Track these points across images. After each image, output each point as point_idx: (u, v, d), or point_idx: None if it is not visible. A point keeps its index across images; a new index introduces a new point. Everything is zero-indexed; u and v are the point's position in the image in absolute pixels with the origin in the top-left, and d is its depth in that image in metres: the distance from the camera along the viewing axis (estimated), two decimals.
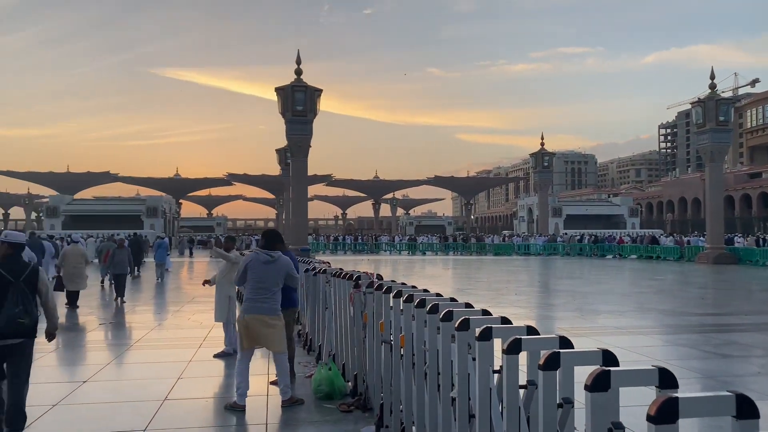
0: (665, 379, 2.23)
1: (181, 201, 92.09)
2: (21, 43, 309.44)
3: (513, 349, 2.93)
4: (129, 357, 9.04)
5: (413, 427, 4.78)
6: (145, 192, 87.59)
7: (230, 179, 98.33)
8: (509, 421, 2.97)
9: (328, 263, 10.17)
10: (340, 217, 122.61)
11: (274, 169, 78.44)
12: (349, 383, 6.68)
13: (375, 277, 6.36)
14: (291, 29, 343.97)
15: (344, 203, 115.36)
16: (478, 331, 3.26)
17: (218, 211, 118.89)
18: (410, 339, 4.73)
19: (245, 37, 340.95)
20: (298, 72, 28.68)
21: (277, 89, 28.89)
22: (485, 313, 3.91)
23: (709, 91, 33.68)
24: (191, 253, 47.63)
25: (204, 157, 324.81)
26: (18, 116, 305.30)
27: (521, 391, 2.99)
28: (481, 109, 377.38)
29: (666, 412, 1.82)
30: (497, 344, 3.14)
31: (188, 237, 57.58)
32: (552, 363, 2.60)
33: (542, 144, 58.01)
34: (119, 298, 15.05)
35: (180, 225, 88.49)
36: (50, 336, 5.57)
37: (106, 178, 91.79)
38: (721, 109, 32.77)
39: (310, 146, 29.10)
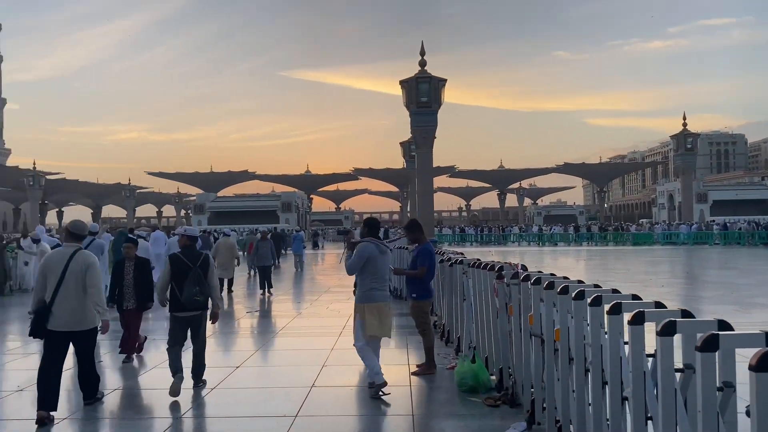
0: None
1: (311, 196, 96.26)
2: (167, 56, 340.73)
3: (667, 331, 2.85)
4: (275, 344, 9.49)
5: (570, 426, 4.48)
6: (280, 188, 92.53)
7: (356, 174, 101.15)
8: (664, 405, 2.89)
9: (462, 254, 9.98)
10: (464, 208, 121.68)
11: (398, 162, 79.55)
12: (493, 377, 6.46)
13: (520, 267, 6.08)
14: (411, 24, 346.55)
15: (468, 194, 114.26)
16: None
17: (346, 204, 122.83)
18: (566, 333, 4.43)
19: (367, 35, 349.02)
20: (422, 63, 28.53)
21: (401, 82, 28.92)
22: (659, 306, 3.53)
23: None
24: (319, 245, 49.55)
25: (332, 153, 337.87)
26: (167, 122, 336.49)
27: (677, 375, 2.92)
28: (612, 91, 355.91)
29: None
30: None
31: (314, 231, 59.96)
32: (710, 344, 2.51)
33: (684, 124, 53.34)
34: (265, 290, 15.37)
35: (311, 219, 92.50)
36: (214, 317, 6.66)
37: (245, 176, 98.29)
38: None
39: (435, 137, 28.86)
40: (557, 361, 4.59)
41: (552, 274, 5.41)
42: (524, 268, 6.11)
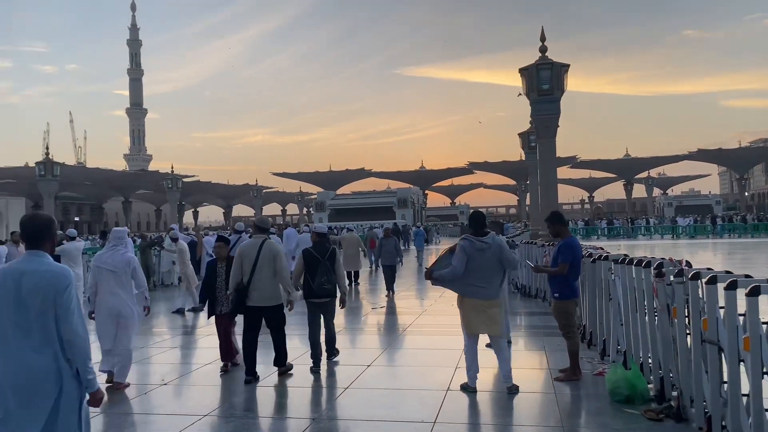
0: None
1: (426, 192, 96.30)
2: (289, 61, 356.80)
3: None
4: (403, 343, 9.28)
5: None
6: (395, 185, 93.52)
7: (471, 168, 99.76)
8: None
9: (601, 248, 9.19)
10: (587, 200, 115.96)
11: (514, 155, 77.34)
12: (651, 386, 5.78)
13: (684, 264, 5.36)
14: (527, 12, 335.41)
15: (590, 185, 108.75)
16: None
17: (461, 199, 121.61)
18: (757, 343, 3.75)
19: (480, 28, 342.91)
20: (543, 50, 27.23)
21: (521, 70, 27.75)
22: None
23: None
24: (433, 241, 49.23)
25: (446, 148, 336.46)
26: (290, 125, 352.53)
27: None
28: (751, 69, 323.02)
29: None
30: None
31: (425, 227, 59.80)
32: None
33: None
34: (391, 292, 14.52)
35: (426, 215, 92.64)
36: (342, 302, 7.60)
37: (362, 174, 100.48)
38: None
39: (558, 126, 27.44)
40: (747, 373, 3.91)
41: (727, 272, 4.68)
42: (688, 264, 5.38)
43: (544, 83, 25.43)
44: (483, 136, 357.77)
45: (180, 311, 12.45)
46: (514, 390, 6.11)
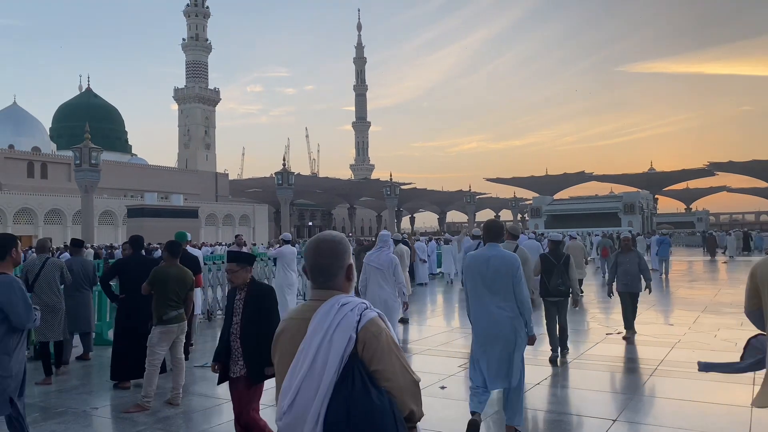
0: None
1: (656, 196, 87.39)
2: (504, 67, 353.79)
3: None
4: (653, 390, 7.59)
5: None
6: (618, 189, 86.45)
7: (711, 168, 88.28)
8: None
9: None
10: None
11: (765, 152, 66.05)
12: None
13: None
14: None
15: None
16: None
17: (698, 205, 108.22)
18: None
19: (711, 17, 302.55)
20: None
21: None
22: None
23: None
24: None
25: (680, 148, 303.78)
26: (504, 131, 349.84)
27: None
28: None
29: None
30: None
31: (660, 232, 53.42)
32: None
33: None
34: (629, 332, 9.71)
35: (657, 222, 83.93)
36: (575, 302, 8.40)
37: (581, 178, 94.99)
38: None
39: None
40: None
41: None
42: None
43: None
44: (725, 134, 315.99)
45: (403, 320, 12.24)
46: None
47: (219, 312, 12.82)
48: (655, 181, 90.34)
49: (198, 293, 9.23)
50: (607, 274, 19.71)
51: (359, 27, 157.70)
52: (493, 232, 5.14)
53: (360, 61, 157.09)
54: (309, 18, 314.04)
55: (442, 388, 6.68)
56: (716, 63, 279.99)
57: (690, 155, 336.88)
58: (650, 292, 9.82)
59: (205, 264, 12.14)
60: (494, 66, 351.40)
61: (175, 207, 53.31)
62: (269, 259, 14.99)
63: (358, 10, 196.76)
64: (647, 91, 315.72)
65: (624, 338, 9.45)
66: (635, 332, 9.62)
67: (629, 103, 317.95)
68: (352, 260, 2.09)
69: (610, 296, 10.28)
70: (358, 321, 1.87)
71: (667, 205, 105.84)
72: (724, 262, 28.92)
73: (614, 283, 9.85)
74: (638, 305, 9.84)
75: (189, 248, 9.58)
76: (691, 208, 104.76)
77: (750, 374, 6.49)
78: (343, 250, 2.06)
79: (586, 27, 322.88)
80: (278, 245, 13.34)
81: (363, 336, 1.85)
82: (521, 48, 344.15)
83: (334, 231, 2.16)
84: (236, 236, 13.72)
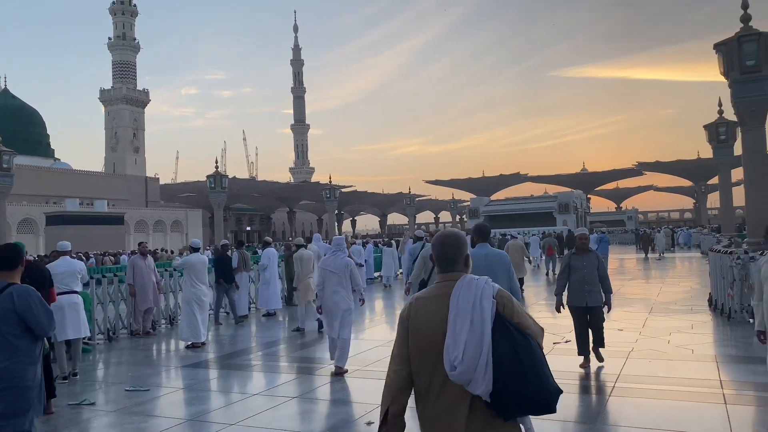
0: None
1: (589, 196, 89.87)
2: (442, 71, 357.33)
3: None
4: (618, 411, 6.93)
5: None
6: (552, 189, 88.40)
7: (640, 168, 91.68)
8: None
9: None
10: None
11: (689, 153, 68.87)
12: None
13: None
14: (686, 5, 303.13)
15: None
16: None
17: (627, 204, 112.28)
18: None
19: (638, 24, 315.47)
20: (746, 18, 22.58)
21: (716, 45, 23.25)
22: None
23: None
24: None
25: (610, 149, 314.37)
26: (442, 134, 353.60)
27: None
28: None
29: None
30: None
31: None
32: None
33: None
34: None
35: (590, 220, 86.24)
36: (608, 306, 7.48)
37: (517, 179, 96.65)
38: None
39: None
40: None
41: None
42: None
43: (749, 58, 21.07)
44: (651, 136, 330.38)
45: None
46: None
47: (123, 330, 11.49)
48: (587, 181, 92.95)
49: (80, 314, 7.82)
50: (551, 273, 18.98)
51: (296, 29, 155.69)
52: (484, 233, 5.62)
53: (297, 63, 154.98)
54: (246, 20, 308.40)
55: (369, 424, 5.55)
56: (640, 68, 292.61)
57: (619, 156, 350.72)
58: (609, 309, 7.54)
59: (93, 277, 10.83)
60: (431, 70, 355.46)
61: (98, 213, 50.34)
62: (173, 269, 13.40)
63: (294, 12, 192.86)
64: (578, 95, 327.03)
65: (581, 366, 7.44)
66: (601, 360, 7.59)
67: (561, 106, 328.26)
68: (468, 251, 2.67)
69: (559, 311, 7.75)
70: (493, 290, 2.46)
71: (598, 205, 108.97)
72: (657, 260, 29.39)
73: (564, 294, 7.71)
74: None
75: (68, 259, 8.21)
76: (621, 207, 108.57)
77: (722, 399, 5.84)
78: (463, 243, 2.67)
79: (518, 33, 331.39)
80: (187, 252, 12.05)
81: (500, 300, 2.45)
82: (457, 53, 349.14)
83: (455, 228, 2.95)
84: (139, 243, 12.27)
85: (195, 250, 10.11)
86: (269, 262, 13.77)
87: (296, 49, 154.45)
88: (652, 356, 8.04)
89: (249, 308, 14.61)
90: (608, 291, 7.50)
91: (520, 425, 2.46)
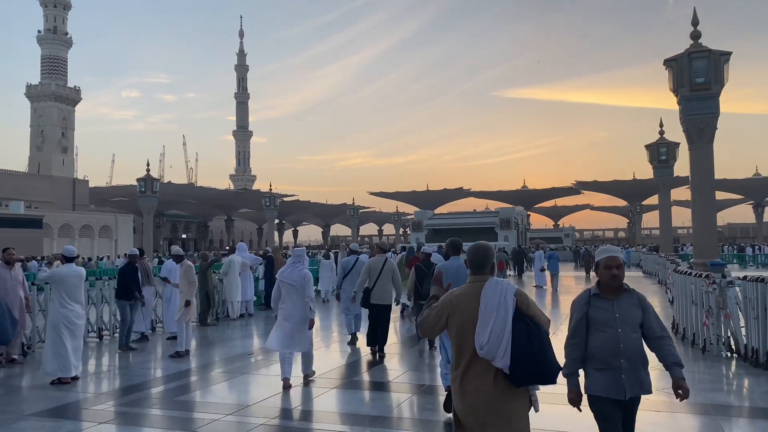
0: None
1: (528, 212, 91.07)
2: (388, 87, 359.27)
3: None
4: None
5: None
6: (494, 205, 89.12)
7: (578, 187, 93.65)
8: None
9: None
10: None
11: (623, 174, 70.76)
12: None
13: None
14: (632, 30, 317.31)
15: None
16: None
17: (565, 221, 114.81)
18: None
19: (578, 49, 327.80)
20: (696, 35, 22.55)
21: (667, 61, 23.11)
22: None
23: None
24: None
25: (549, 168, 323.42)
26: (388, 148, 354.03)
27: None
28: None
29: None
30: None
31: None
32: None
33: None
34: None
35: (530, 237, 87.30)
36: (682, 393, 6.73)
37: (460, 193, 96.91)
38: None
39: (717, 128, 22.53)
40: None
41: None
42: None
43: (699, 76, 20.80)
44: (587, 157, 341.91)
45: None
46: None
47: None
48: (527, 198, 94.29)
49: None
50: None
51: (241, 34, 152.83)
52: (456, 247, 6.90)
53: (242, 69, 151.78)
54: (191, 24, 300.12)
55: (249, 354, 5.05)
56: (577, 92, 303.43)
57: (558, 175, 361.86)
58: (683, 396, 3.99)
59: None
60: (379, 85, 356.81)
61: (12, 215, 46.39)
62: (34, 284, 11.12)
63: (240, 17, 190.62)
64: (519, 115, 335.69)
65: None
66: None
67: (503, 125, 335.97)
68: (495, 260, 3.62)
69: (577, 406, 3.97)
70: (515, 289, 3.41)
71: (537, 221, 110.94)
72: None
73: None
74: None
75: None
76: (559, 224, 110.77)
77: None
78: (491, 253, 3.63)
79: (465, 53, 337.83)
80: (57, 263, 10.01)
81: (519, 297, 3.37)
82: (405, 69, 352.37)
83: (485, 241, 3.76)
84: (4, 250, 9.46)
85: (68, 260, 8.08)
86: (169, 275, 12.32)
87: (241, 54, 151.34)
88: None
89: (153, 328, 12.99)
90: (675, 361, 3.84)
91: (530, 390, 3.29)
